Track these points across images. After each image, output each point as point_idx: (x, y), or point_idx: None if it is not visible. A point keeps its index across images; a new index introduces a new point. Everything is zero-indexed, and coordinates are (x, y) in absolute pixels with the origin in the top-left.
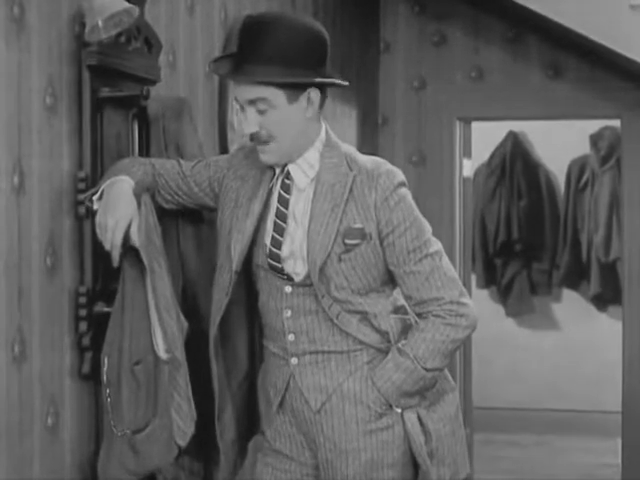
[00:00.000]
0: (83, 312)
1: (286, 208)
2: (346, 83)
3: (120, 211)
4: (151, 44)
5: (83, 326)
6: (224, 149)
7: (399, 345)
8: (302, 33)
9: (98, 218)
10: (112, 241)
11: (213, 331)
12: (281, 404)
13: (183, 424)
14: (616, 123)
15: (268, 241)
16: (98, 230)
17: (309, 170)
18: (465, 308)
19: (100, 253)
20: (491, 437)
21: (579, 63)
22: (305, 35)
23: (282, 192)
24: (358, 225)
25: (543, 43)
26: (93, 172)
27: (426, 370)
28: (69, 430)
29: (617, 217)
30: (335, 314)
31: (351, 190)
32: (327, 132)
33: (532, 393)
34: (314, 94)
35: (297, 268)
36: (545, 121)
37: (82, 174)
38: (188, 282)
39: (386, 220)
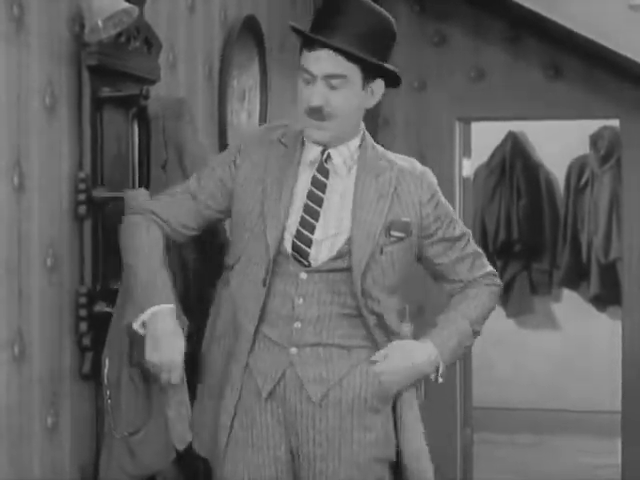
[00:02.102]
0: (83, 312)
1: (323, 192)
2: (399, 80)
3: (172, 349)
4: (151, 44)
5: (83, 326)
6: (224, 149)
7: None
8: (387, 25)
9: (149, 356)
10: (171, 380)
11: (253, 324)
12: (271, 393)
13: (181, 428)
14: (616, 123)
15: (295, 224)
16: (152, 368)
17: (349, 158)
18: (498, 279)
19: (100, 253)
20: (491, 437)
21: (579, 63)
22: (388, 27)
23: (319, 175)
24: (405, 219)
25: (543, 43)
26: (93, 172)
27: (474, 334)
28: (69, 430)
29: (617, 217)
30: (359, 310)
31: (397, 184)
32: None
33: (532, 393)
34: (379, 85)
35: (321, 254)
36: (545, 121)
37: (82, 174)
38: (188, 281)
39: (435, 216)
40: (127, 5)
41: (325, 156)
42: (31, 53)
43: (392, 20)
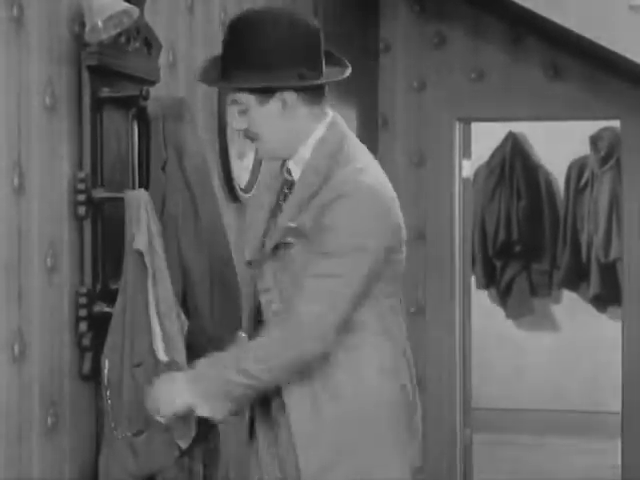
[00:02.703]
0: (83, 312)
1: (285, 202)
2: (320, 81)
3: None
4: (151, 44)
5: (83, 326)
6: (224, 149)
7: None
8: (278, 33)
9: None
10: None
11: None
12: None
13: (184, 425)
14: (616, 124)
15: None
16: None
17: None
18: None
19: (100, 253)
20: (491, 437)
21: (579, 64)
22: (282, 35)
23: (284, 188)
24: (294, 225)
25: (543, 44)
26: (93, 172)
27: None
28: (69, 431)
29: (617, 218)
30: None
31: (317, 192)
32: (331, 126)
33: (532, 394)
34: (288, 96)
35: None
36: (545, 122)
37: (82, 174)
38: (188, 281)
39: (319, 222)
40: (127, 6)
41: (285, 169)
42: (31, 53)
43: (300, 26)
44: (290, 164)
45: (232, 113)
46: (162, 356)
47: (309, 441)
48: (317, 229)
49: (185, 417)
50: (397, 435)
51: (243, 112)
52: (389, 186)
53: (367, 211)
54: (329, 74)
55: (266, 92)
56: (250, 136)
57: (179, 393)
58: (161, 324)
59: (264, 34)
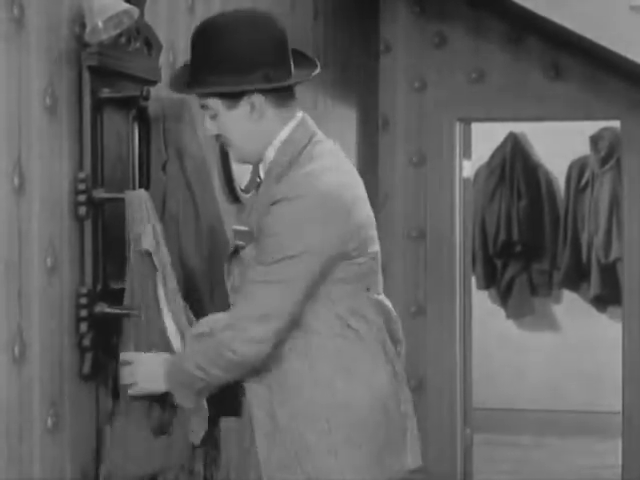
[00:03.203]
0: (84, 313)
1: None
2: (289, 82)
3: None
4: (151, 45)
5: (83, 327)
6: (224, 149)
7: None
8: (243, 37)
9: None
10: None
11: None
12: None
13: (198, 422)
14: (616, 124)
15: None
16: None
17: None
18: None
19: (100, 254)
20: (491, 437)
21: (579, 64)
22: (246, 39)
23: (255, 191)
24: (243, 228)
25: (543, 44)
26: (93, 173)
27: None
28: (69, 431)
29: (617, 218)
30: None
31: (268, 193)
32: (297, 127)
33: (532, 394)
34: (256, 99)
35: None
36: (545, 122)
37: (82, 175)
38: (188, 281)
39: (260, 224)
40: (127, 6)
41: (256, 172)
42: (31, 53)
43: (265, 29)
44: (260, 166)
45: (204, 119)
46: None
47: (267, 441)
48: (259, 232)
49: (198, 411)
50: (361, 439)
51: (213, 117)
52: (354, 188)
53: (310, 216)
54: (298, 75)
55: (234, 96)
56: (223, 141)
57: (156, 378)
58: (176, 322)
59: (228, 37)
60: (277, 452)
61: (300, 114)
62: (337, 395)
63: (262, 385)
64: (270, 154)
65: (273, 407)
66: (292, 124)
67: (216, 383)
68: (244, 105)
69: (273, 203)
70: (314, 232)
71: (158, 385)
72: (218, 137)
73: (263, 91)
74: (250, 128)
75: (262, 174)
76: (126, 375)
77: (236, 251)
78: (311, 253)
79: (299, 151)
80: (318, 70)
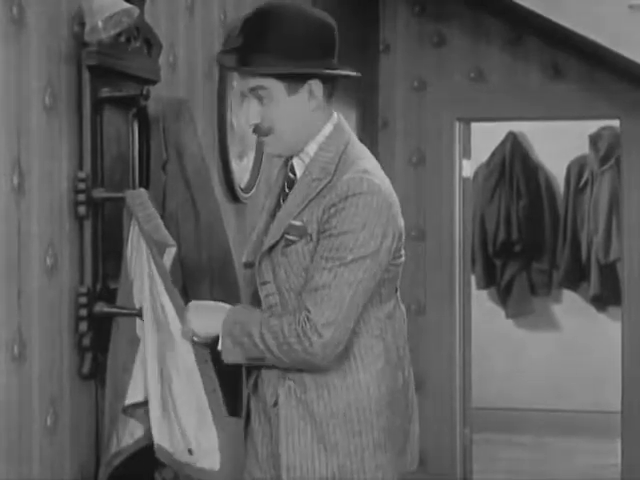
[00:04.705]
0: (83, 312)
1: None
2: (353, 73)
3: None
4: (151, 44)
5: (83, 326)
6: (224, 149)
7: None
8: (306, 24)
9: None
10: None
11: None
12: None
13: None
14: (615, 123)
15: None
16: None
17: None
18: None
19: (100, 253)
20: (491, 437)
21: (579, 64)
22: (309, 26)
23: (285, 187)
24: (298, 223)
25: (543, 44)
26: (93, 172)
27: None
28: (69, 430)
29: (617, 217)
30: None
31: (321, 191)
32: (337, 126)
33: (532, 393)
34: (316, 86)
35: None
36: (545, 121)
37: (82, 174)
38: (188, 281)
39: (327, 223)
40: (127, 5)
41: (289, 167)
42: (31, 53)
43: (323, 19)
44: (294, 161)
45: (245, 106)
46: None
47: (295, 431)
48: (326, 232)
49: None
50: (383, 438)
51: (263, 103)
52: (392, 189)
53: (380, 211)
54: (345, 70)
55: (297, 80)
56: (262, 131)
57: (216, 321)
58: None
59: (293, 23)
60: (303, 442)
61: (335, 113)
62: (372, 399)
63: (296, 376)
64: (310, 149)
65: (306, 401)
66: (333, 121)
67: (269, 363)
68: (303, 92)
69: (341, 201)
70: (385, 228)
71: (215, 329)
72: (257, 127)
73: (323, 78)
74: (304, 117)
75: (297, 170)
76: (185, 326)
77: (275, 244)
78: (379, 252)
79: (342, 150)
80: (355, 73)
